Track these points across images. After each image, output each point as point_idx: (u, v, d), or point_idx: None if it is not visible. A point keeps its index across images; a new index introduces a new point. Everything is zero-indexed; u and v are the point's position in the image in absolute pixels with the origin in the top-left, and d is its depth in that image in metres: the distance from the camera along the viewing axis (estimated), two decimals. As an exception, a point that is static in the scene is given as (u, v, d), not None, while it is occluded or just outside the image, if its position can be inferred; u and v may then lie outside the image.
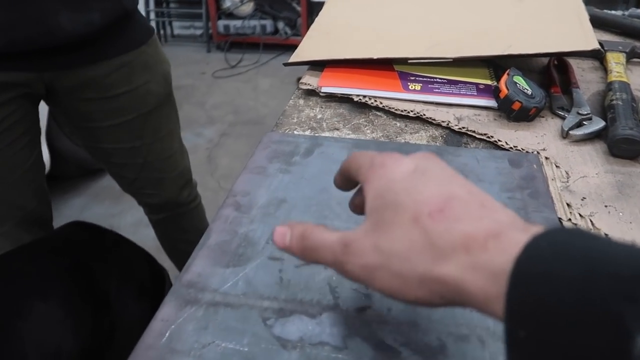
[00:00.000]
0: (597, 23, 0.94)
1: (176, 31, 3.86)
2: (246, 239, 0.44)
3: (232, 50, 3.47)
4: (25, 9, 0.71)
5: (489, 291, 0.21)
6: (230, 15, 3.47)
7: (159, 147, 0.98)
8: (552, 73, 0.72)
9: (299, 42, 0.83)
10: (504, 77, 0.63)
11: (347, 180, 0.34)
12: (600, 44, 0.78)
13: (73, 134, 0.96)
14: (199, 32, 3.74)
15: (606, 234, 0.44)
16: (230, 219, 0.46)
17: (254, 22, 3.41)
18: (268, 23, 3.42)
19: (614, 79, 0.67)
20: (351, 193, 0.36)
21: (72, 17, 0.75)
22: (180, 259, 1.26)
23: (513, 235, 0.22)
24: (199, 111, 2.77)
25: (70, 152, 2.00)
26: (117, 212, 1.99)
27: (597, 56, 0.64)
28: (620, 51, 0.76)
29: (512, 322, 0.20)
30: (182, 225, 1.17)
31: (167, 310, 0.37)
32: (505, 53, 0.66)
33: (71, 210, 2.01)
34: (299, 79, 0.74)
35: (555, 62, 0.77)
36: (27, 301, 0.67)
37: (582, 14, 0.72)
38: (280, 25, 3.42)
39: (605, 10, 0.96)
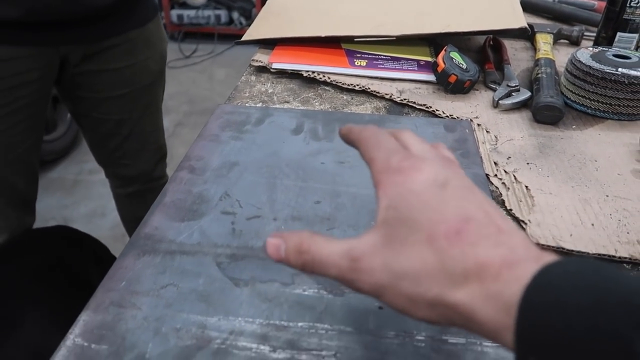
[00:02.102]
0: (531, 8, 1.01)
1: (127, 21, 3.77)
2: (200, 197, 0.46)
3: (186, 40, 3.43)
4: None
5: (499, 321, 0.21)
6: (184, 5, 3.43)
7: (145, 121, 1.01)
8: (486, 51, 0.78)
9: (255, 32, 0.86)
10: (442, 53, 0.68)
11: (350, 144, 0.33)
12: (531, 25, 0.85)
13: (64, 101, 0.96)
14: (151, 22, 3.67)
15: (527, 186, 0.50)
16: (184, 180, 0.49)
17: (208, 12, 3.38)
18: (222, 13, 3.40)
19: (541, 56, 0.74)
20: (299, 155, 0.39)
21: None
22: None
23: (526, 266, 0.21)
24: (153, 101, 2.73)
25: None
26: (70, 203, 1.95)
27: (525, 34, 0.70)
28: (548, 32, 0.83)
29: (522, 351, 0.20)
30: (148, 200, 1.18)
31: (125, 259, 0.39)
32: (443, 31, 0.71)
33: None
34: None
35: (491, 42, 0.83)
36: (19, 309, 0.68)
37: (514, -2, 0.78)
38: (235, 15, 3.41)
39: (537, -3, 1.03)
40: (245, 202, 0.46)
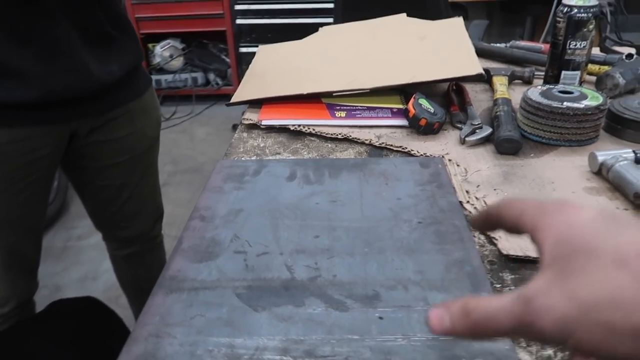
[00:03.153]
0: (486, 54, 1.13)
1: (107, 89, 3.87)
2: (213, 241, 0.53)
3: (165, 103, 3.54)
4: (63, 61, 0.78)
5: None
6: (161, 70, 3.55)
7: (144, 183, 1.07)
8: (450, 95, 0.88)
9: (232, 91, 0.95)
10: (411, 101, 0.77)
11: (491, 224, 0.31)
12: (487, 70, 0.96)
13: (67, 173, 1.02)
14: (130, 88, 3.78)
15: (495, 209, 0.57)
16: (197, 228, 0.55)
17: (185, 76, 3.51)
18: (199, 75, 3.53)
19: (498, 96, 0.83)
20: (295, 198, 0.46)
21: (99, 67, 0.84)
22: (140, 298, 1.29)
23: None
24: (137, 164, 2.79)
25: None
26: (60, 270, 1.96)
27: (482, 79, 0.80)
28: (503, 75, 0.94)
29: None
30: (147, 260, 1.21)
31: (155, 298, 0.45)
32: (410, 82, 0.80)
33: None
34: (235, 125, 0.85)
35: (454, 87, 0.93)
36: None
37: (470, 48, 0.88)
38: (211, 76, 3.54)
39: (492, 44, 1.15)
40: (254, 242, 0.52)
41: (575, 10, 0.81)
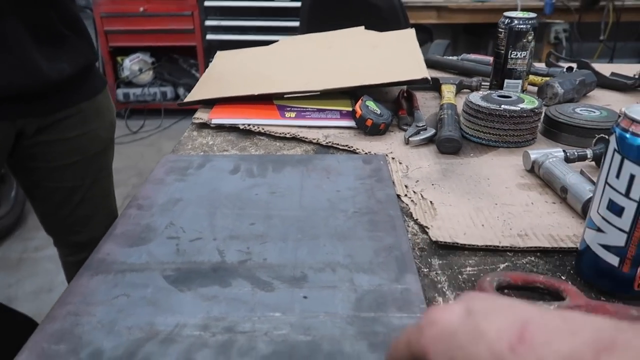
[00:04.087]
0: (440, 66, 1.17)
1: (73, 102, 3.81)
2: (147, 227, 0.52)
3: (133, 117, 3.51)
4: (9, 56, 0.77)
5: None
6: (130, 83, 3.53)
7: (97, 187, 1.05)
8: (399, 101, 0.91)
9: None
10: (359, 102, 0.79)
11: None
12: (437, 79, 0.99)
13: (15, 173, 0.99)
14: (97, 101, 3.73)
15: (431, 201, 0.59)
16: (133, 216, 0.55)
17: (154, 89, 3.50)
18: (168, 89, 3.52)
19: (444, 102, 0.86)
20: (236, 189, 0.47)
21: (48, 65, 0.82)
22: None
23: (635, 342, 0.18)
24: (100, 177, 2.74)
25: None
26: (14, 281, 1.90)
27: (427, 84, 0.82)
28: (452, 83, 0.97)
29: None
30: None
31: (80, 279, 0.45)
32: (359, 84, 0.82)
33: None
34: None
35: (404, 94, 0.95)
36: None
37: (418, 56, 0.91)
38: (181, 91, 3.53)
39: (445, 57, 1.19)
40: (188, 228, 0.52)
41: (516, 21, 0.85)
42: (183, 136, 0.80)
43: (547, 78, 0.96)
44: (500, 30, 0.87)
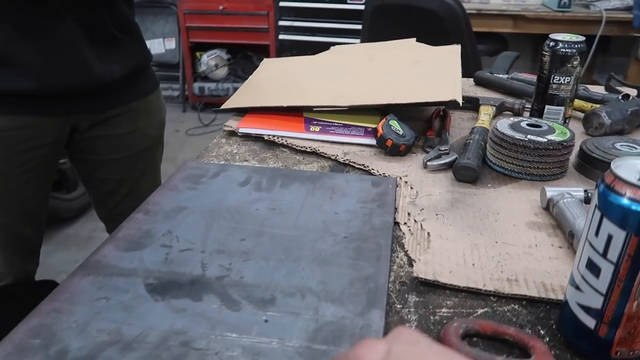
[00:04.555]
0: (487, 84, 1.12)
1: (155, 92, 4.06)
2: (147, 233, 0.56)
3: (206, 110, 3.67)
4: (64, 56, 0.85)
5: None
6: (205, 78, 3.70)
7: (144, 181, 1.12)
8: (432, 120, 0.89)
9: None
10: (382, 121, 0.78)
11: None
12: (477, 98, 0.96)
13: (73, 162, 1.09)
14: (176, 93, 3.95)
15: (429, 232, 0.58)
16: (138, 220, 0.59)
17: (227, 85, 3.64)
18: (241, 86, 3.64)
19: (477, 125, 0.83)
20: (239, 202, 0.48)
21: (99, 66, 0.90)
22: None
23: None
24: (169, 165, 2.90)
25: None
26: (81, 258, 2.05)
27: (457, 106, 0.79)
28: (492, 105, 0.93)
29: None
30: None
31: (73, 278, 0.49)
32: (385, 102, 0.82)
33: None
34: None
35: (441, 113, 0.93)
36: None
37: (456, 75, 0.89)
38: (252, 87, 3.65)
39: (495, 74, 1.15)
40: (182, 238, 0.55)
41: (560, 45, 0.80)
42: (211, 143, 0.83)
43: (597, 105, 0.89)
44: (544, 52, 0.83)
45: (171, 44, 3.72)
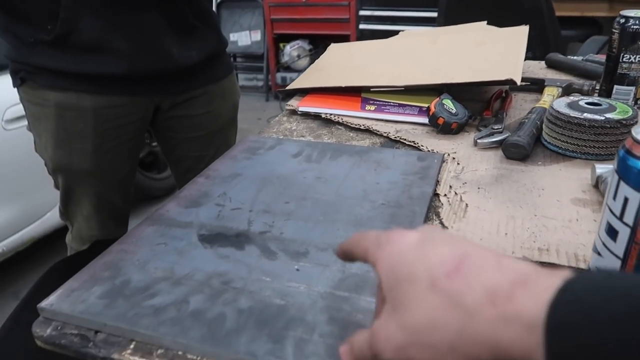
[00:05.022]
0: (559, 66, 1.08)
1: (241, 82, 4.27)
2: (205, 194, 0.63)
3: (288, 99, 3.79)
4: (148, 44, 0.96)
5: (526, 342, 0.20)
6: (288, 68, 3.82)
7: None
8: (490, 101, 0.88)
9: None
10: (436, 100, 0.79)
11: (349, 258, 0.33)
12: (542, 79, 0.94)
13: (157, 140, 1.22)
14: (260, 83, 4.12)
15: (467, 204, 0.59)
16: (199, 183, 0.66)
17: (308, 75, 3.73)
18: (321, 76, 3.72)
19: (537, 105, 0.82)
20: (289, 172, 0.53)
21: (179, 52, 1.00)
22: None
23: (542, 281, 0.21)
24: (250, 151, 3.06)
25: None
26: (168, 232, 2.25)
27: (513, 85, 0.78)
28: (557, 86, 0.91)
29: None
30: None
31: (140, 226, 0.56)
32: (441, 82, 0.83)
33: (129, 229, 2.30)
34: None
35: (503, 94, 0.92)
36: None
37: (519, 56, 0.87)
38: (332, 78, 3.71)
39: (569, 57, 1.10)
40: (234, 199, 0.61)
41: (631, 21, 0.76)
42: (273, 120, 0.89)
43: (676, 86, 0.83)
44: (614, 30, 0.79)
45: (257, 36, 3.88)
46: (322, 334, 0.40)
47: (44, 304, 0.44)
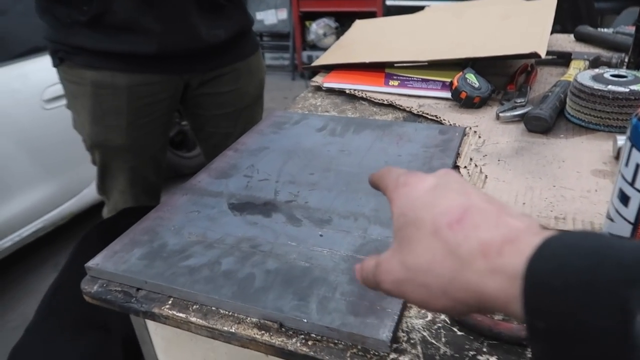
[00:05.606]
0: (589, 39, 1.07)
1: (267, 62, 4.28)
2: (234, 166, 0.66)
3: (314, 76, 3.79)
4: (177, 23, 1.00)
5: (508, 292, 0.22)
6: (314, 46, 3.81)
7: None
8: (515, 75, 0.88)
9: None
10: (459, 74, 0.80)
11: (375, 188, 0.37)
12: (569, 53, 0.93)
13: (187, 117, 1.26)
14: (286, 62, 4.13)
15: (486, 175, 0.61)
16: (228, 156, 0.69)
17: (334, 53, 3.72)
18: (347, 53, 3.70)
19: (562, 78, 0.82)
20: (314, 145, 0.56)
21: (207, 31, 1.04)
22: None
23: (528, 239, 0.23)
24: (277, 130, 3.09)
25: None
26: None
27: (537, 57, 0.78)
28: (585, 59, 0.90)
29: (530, 317, 0.21)
30: None
31: (174, 196, 0.60)
32: (463, 56, 0.83)
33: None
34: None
35: (528, 68, 0.92)
36: None
37: (545, 29, 0.87)
38: (359, 55, 3.69)
39: (600, 29, 1.08)
40: (262, 171, 0.64)
41: (661, -9, 0.75)
42: (299, 96, 0.92)
43: None
44: (643, 1, 0.78)
45: (283, 14, 3.88)
46: (343, 292, 0.43)
47: (91, 263, 0.48)
